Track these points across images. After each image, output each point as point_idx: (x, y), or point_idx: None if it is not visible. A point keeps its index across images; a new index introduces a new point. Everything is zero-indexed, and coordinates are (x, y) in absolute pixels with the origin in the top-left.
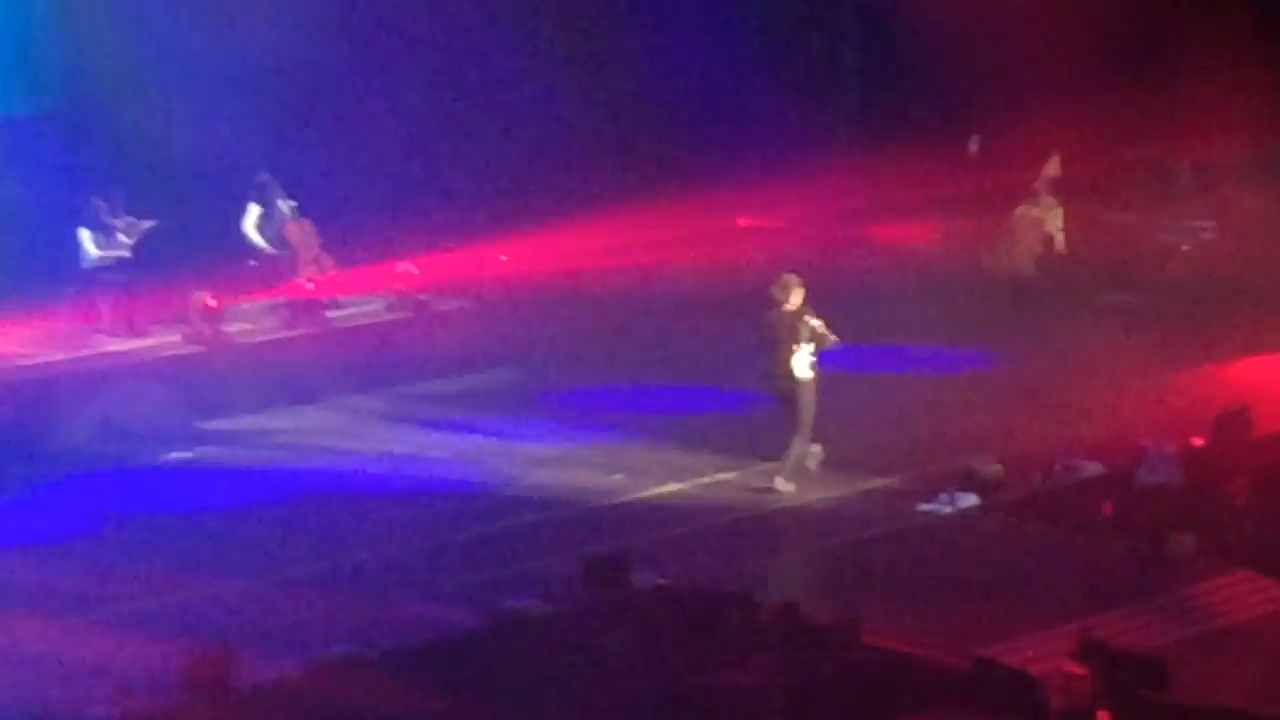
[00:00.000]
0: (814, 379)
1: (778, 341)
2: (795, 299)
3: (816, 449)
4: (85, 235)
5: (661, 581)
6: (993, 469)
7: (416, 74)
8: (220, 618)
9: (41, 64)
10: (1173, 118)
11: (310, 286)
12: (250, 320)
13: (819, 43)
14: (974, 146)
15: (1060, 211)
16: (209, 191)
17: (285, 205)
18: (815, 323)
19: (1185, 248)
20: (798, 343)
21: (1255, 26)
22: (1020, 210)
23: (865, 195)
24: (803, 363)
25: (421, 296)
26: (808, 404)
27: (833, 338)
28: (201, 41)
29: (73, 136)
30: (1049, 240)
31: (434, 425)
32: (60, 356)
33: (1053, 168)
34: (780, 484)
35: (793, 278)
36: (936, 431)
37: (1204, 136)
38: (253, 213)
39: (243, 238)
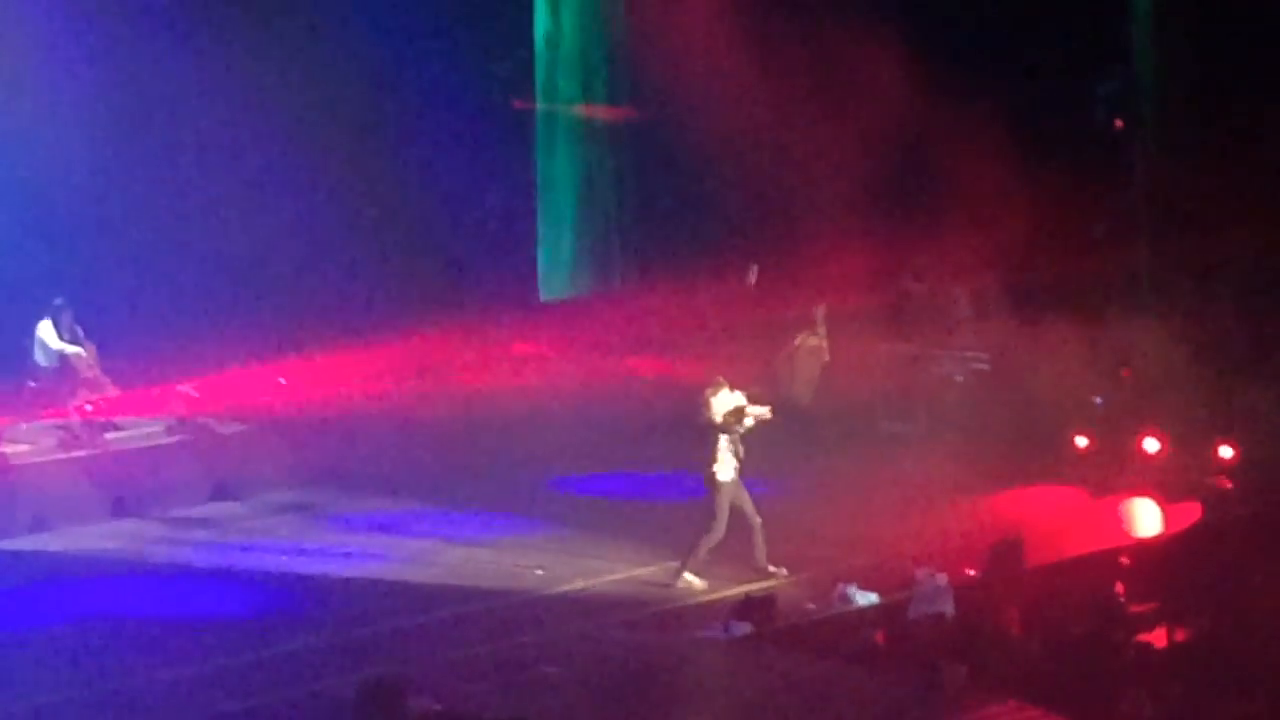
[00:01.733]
0: (731, 480)
1: (706, 441)
2: (721, 402)
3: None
4: None
5: (436, 708)
6: (767, 597)
7: (196, 195)
8: None
9: None
10: (949, 250)
11: (89, 408)
12: (28, 441)
13: (598, 172)
14: (752, 276)
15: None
16: None
17: (70, 328)
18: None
19: (959, 378)
20: (721, 444)
21: (1026, 159)
22: (799, 340)
23: (644, 325)
24: (723, 464)
25: (201, 419)
26: (725, 501)
27: (764, 410)
28: None
29: None
30: (827, 371)
31: (211, 547)
32: None
33: (823, 309)
34: (685, 581)
35: (721, 380)
36: (712, 559)
37: (982, 267)
38: (48, 328)
39: (27, 357)
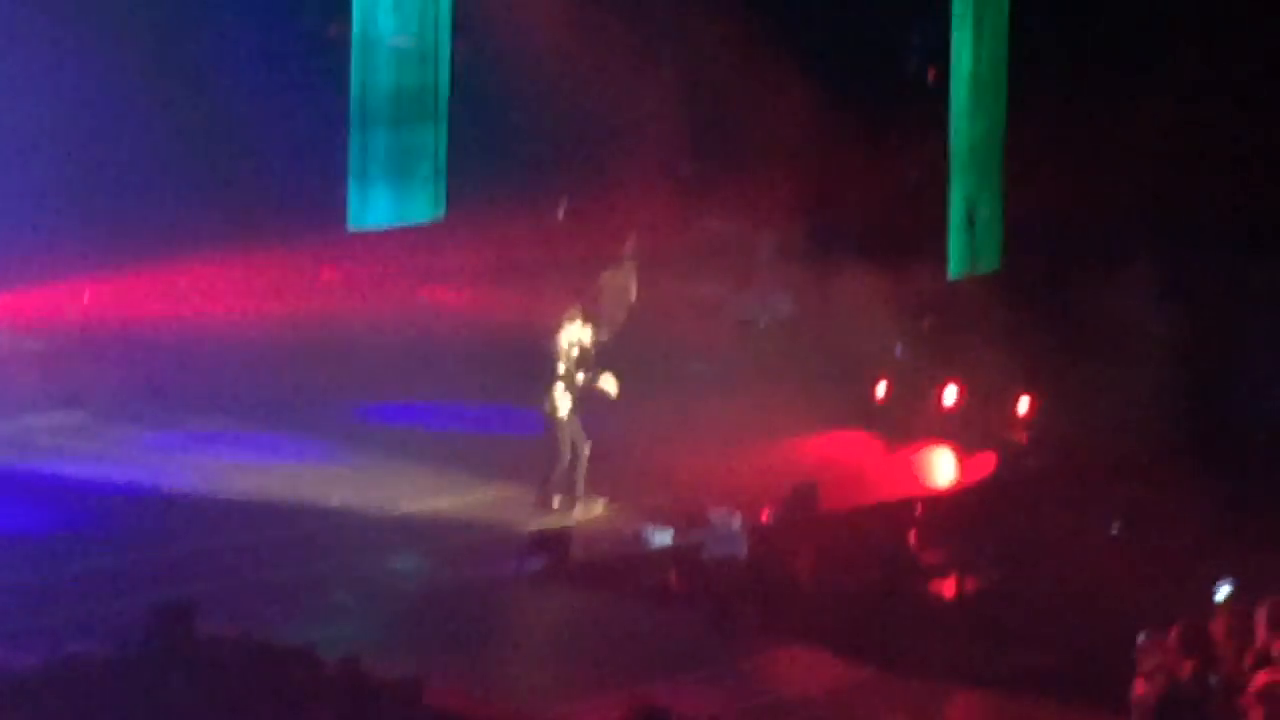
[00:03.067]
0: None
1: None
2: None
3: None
4: None
5: (228, 632)
6: (563, 535)
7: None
8: None
9: None
10: (758, 193)
11: None
12: None
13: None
14: (561, 212)
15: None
16: None
17: None
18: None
19: (762, 322)
20: (565, 375)
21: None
22: (605, 276)
23: (453, 255)
24: (560, 397)
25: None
26: (563, 434)
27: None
28: None
29: None
30: (631, 309)
31: (11, 462)
32: None
33: (634, 238)
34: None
35: (576, 309)
36: (507, 493)
37: (786, 212)
38: None
39: None
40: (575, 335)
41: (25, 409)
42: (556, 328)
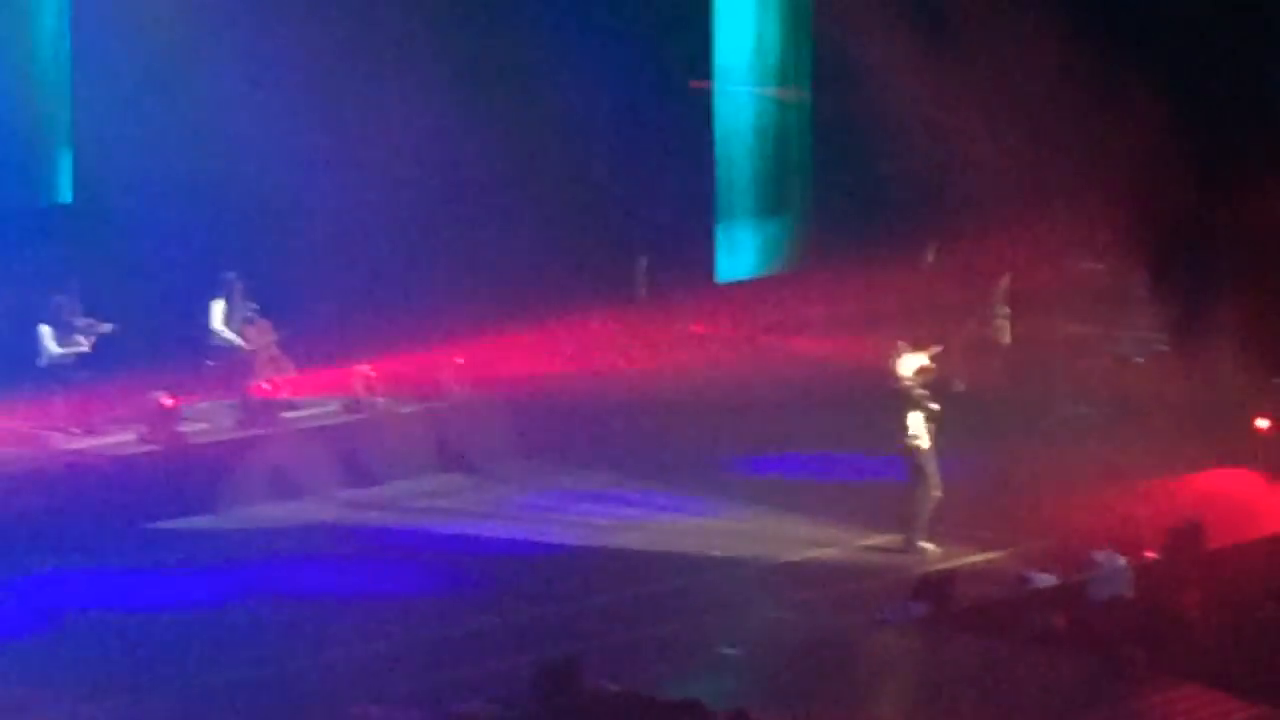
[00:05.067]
0: (922, 446)
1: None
2: (905, 367)
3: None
4: (45, 332)
5: (612, 687)
6: (944, 579)
7: (380, 174)
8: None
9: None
10: (1129, 230)
11: (267, 387)
12: (206, 420)
13: (776, 154)
14: (932, 257)
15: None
16: (168, 292)
17: (245, 305)
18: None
19: (1139, 360)
20: (910, 410)
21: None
22: (977, 321)
23: (823, 304)
24: (911, 431)
25: (379, 398)
26: (917, 466)
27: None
28: (171, 146)
29: (42, 234)
30: (1006, 352)
31: (393, 526)
32: (15, 453)
33: (1006, 280)
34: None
35: (901, 344)
36: (891, 540)
37: (1159, 247)
38: (218, 310)
39: (205, 336)
40: (913, 362)
41: (406, 472)
42: (895, 362)
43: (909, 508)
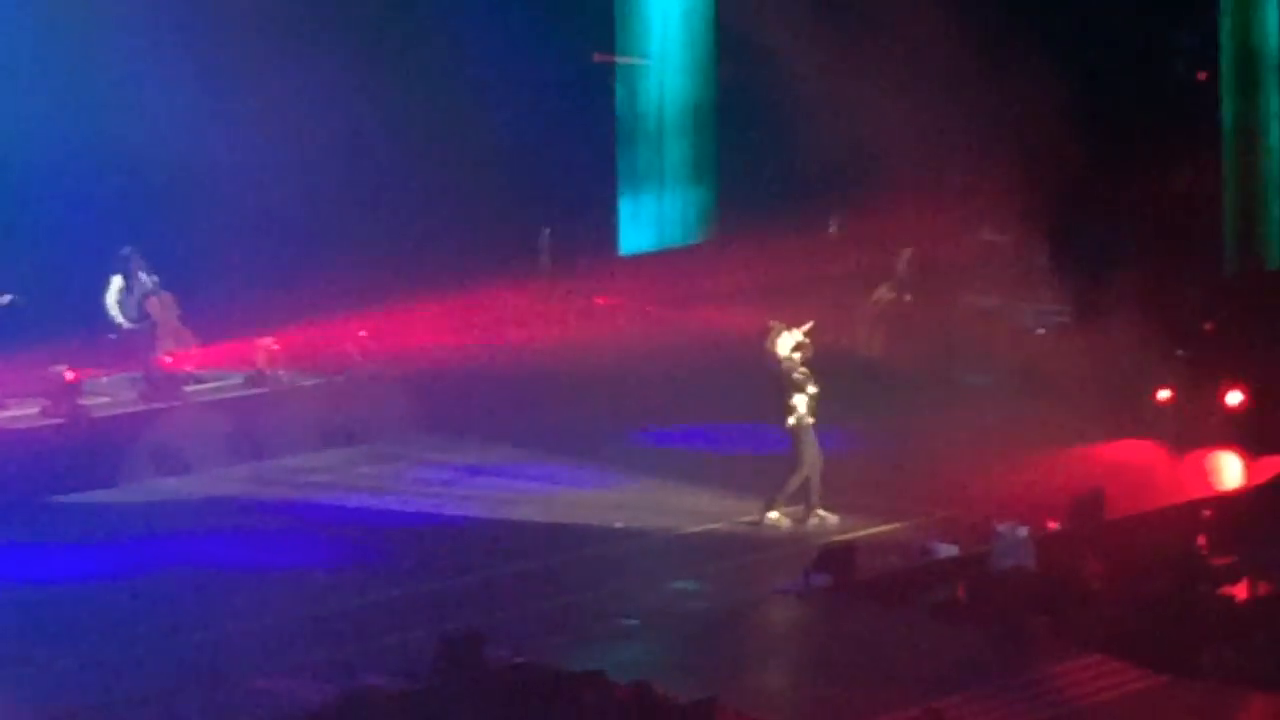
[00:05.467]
0: (801, 423)
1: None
2: (780, 345)
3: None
4: None
5: (516, 659)
6: (846, 549)
7: (281, 146)
8: (69, 692)
9: None
10: (1030, 203)
11: (169, 360)
12: (108, 394)
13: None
14: (834, 229)
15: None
16: (69, 264)
17: (147, 279)
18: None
19: (1040, 331)
20: (788, 388)
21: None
22: (879, 292)
23: (726, 276)
24: (790, 407)
25: (281, 372)
26: (798, 444)
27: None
28: (70, 120)
29: None
30: (908, 323)
31: (294, 500)
32: None
33: (908, 252)
34: (772, 516)
35: (777, 324)
36: (792, 511)
37: (1060, 219)
38: (114, 286)
39: (103, 311)
40: (789, 340)
41: (306, 446)
42: (772, 341)
43: (788, 484)
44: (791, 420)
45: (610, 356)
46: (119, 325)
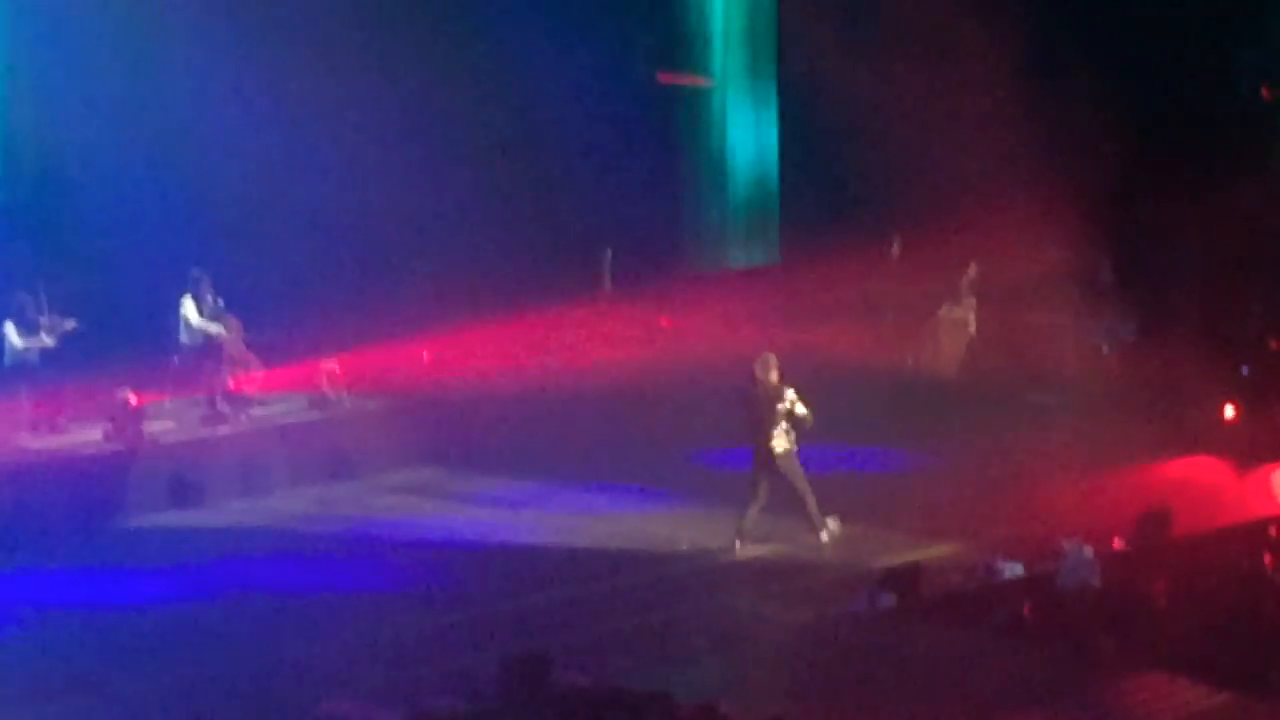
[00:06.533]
0: (792, 451)
1: (760, 417)
2: (773, 377)
3: (834, 525)
4: (10, 329)
5: (581, 682)
6: (911, 569)
7: (343, 173)
8: (142, 715)
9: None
10: (1095, 220)
11: (233, 384)
12: (172, 418)
13: (744, 146)
14: (896, 249)
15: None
16: (129, 288)
17: (214, 301)
18: (791, 398)
19: (1105, 349)
20: (777, 418)
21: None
22: (943, 312)
23: (788, 296)
24: (781, 437)
25: (345, 394)
26: (793, 472)
27: (807, 413)
28: (132, 140)
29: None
30: (971, 341)
31: (358, 522)
32: None
33: (972, 271)
34: (825, 535)
35: (771, 356)
36: (858, 531)
37: (1126, 237)
38: (190, 305)
39: (172, 333)
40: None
41: (371, 469)
42: (761, 379)
43: (809, 507)
44: (785, 446)
45: (674, 377)
46: (208, 335)
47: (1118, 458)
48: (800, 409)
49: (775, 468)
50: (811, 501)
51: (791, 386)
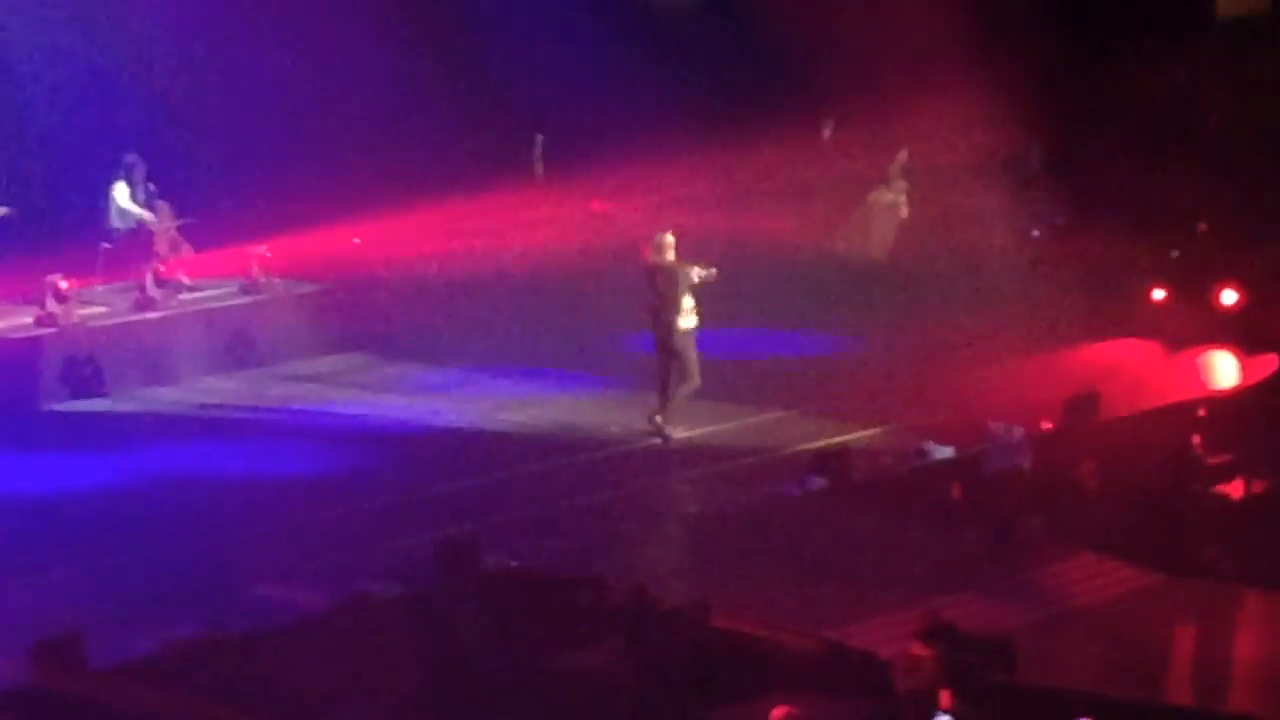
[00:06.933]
0: (693, 330)
1: (664, 297)
2: (669, 256)
3: (676, 433)
4: None
5: (512, 563)
6: (842, 452)
7: (274, 58)
8: (69, 601)
9: None
10: (1024, 106)
11: (164, 269)
12: (103, 303)
13: (669, 26)
14: (827, 132)
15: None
16: (62, 174)
17: (146, 188)
18: (693, 269)
19: (1036, 233)
20: (680, 296)
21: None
22: (873, 196)
23: (717, 180)
24: (688, 314)
25: (275, 279)
26: (688, 351)
27: (712, 270)
28: (67, 33)
29: None
30: (902, 225)
31: (289, 407)
32: None
33: (904, 156)
34: (660, 423)
35: (666, 236)
36: (788, 415)
37: (1057, 121)
38: (122, 190)
39: (103, 218)
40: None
41: (302, 353)
42: (660, 259)
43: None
44: (687, 325)
45: (605, 262)
46: (141, 220)
47: (1047, 341)
48: (702, 272)
49: (673, 345)
50: (689, 389)
51: (694, 265)
